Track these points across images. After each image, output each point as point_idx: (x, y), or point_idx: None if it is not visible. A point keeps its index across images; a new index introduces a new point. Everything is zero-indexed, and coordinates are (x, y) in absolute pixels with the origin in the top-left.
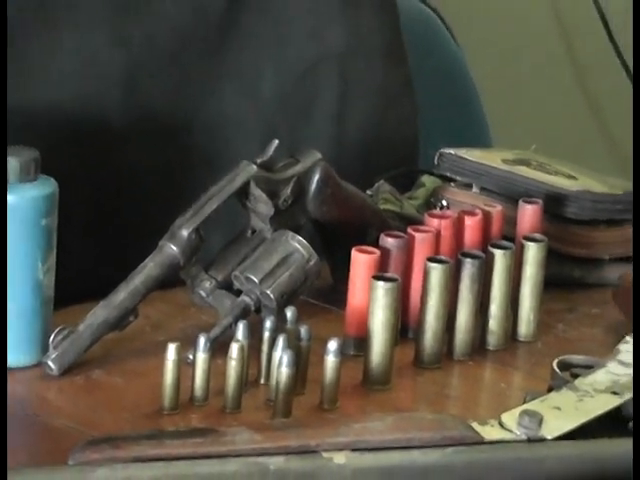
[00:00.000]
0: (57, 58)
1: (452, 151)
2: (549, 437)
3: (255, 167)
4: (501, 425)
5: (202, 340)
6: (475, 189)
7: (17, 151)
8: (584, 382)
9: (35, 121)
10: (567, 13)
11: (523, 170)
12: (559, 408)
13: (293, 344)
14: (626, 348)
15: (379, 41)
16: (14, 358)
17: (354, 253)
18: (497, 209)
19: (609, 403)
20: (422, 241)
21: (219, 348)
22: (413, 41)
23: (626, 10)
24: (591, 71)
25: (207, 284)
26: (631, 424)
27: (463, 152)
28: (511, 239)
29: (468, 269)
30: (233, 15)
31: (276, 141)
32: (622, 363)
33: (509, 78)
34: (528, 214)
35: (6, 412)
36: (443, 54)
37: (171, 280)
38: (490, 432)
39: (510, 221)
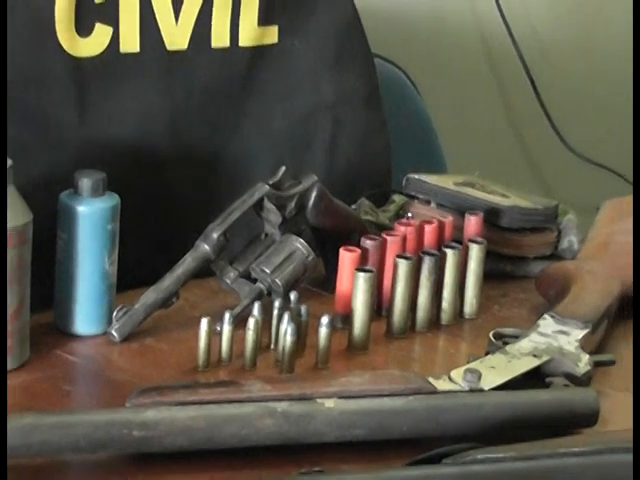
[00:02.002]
0: (121, 104)
1: (416, 176)
2: (486, 388)
3: (268, 187)
4: (450, 379)
5: (227, 316)
6: (433, 204)
7: (89, 173)
8: (512, 348)
9: (104, 150)
10: (502, 74)
11: (469, 190)
12: (494, 367)
13: (295, 319)
14: (544, 323)
15: (361, 93)
16: (86, 328)
17: (342, 252)
18: (449, 219)
19: (531, 363)
20: (392, 243)
21: (240, 322)
22: (387, 93)
23: (549, 67)
24: (519, 116)
25: (231, 274)
26: (547, 379)
27: (424, 177)
28: (459, 242)
29: (427, 264)
30: (252, 74)
31: (283, 167)
32: (541, 334)
33: (459, 122)
34: (472, 223)
35: (6, 411)
36: (409, 103)
37: (204, 271)
38: (442, 384)
39: (459, 228)
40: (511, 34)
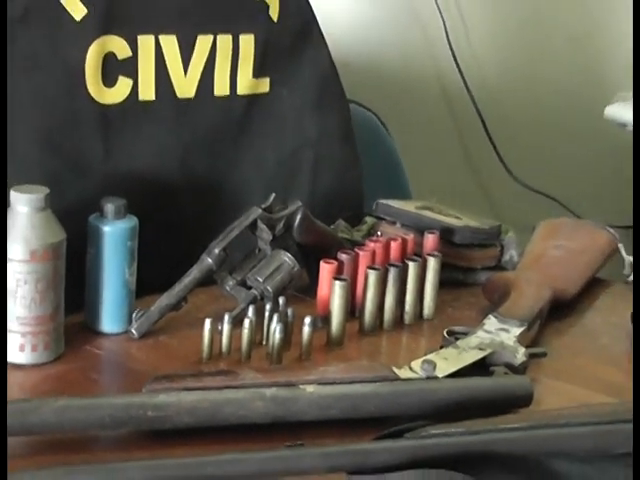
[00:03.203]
0: (139, 143)
1: (384, 201)
2: (440, 376)
3: (260, 210)
4: (410, 369)
5: (227, 317)
6: (398, 225)
7: (113, 200)
8: (462, 343)
9: (125, 181)
10: (458, 116)
11: (428, 213)
12: (446, 358)
13: (283, 320)
14: (488, 322)
15: (338, 132)
16: (111, 327)
17: (322, 264)
18: (411, 237)
19: (477, 355)
20: (364, 256)
21: (238, 322)
22: (361, 132)
23: (497, 111)
24: (472, 151)
25: (231, 282)
26: (490, 368)
27: (391, 202)
28: (419, 255)
29: (392, 274)
30: (248, 118)
31: (273, 194)
32: (486, 331)
33: (421, 155)
34: (430, 240)
35: (6, 412)
36: (380, 140)
37: (208, 280)
38: (404, 373)
39: (419, 244)
40: (465, 82)
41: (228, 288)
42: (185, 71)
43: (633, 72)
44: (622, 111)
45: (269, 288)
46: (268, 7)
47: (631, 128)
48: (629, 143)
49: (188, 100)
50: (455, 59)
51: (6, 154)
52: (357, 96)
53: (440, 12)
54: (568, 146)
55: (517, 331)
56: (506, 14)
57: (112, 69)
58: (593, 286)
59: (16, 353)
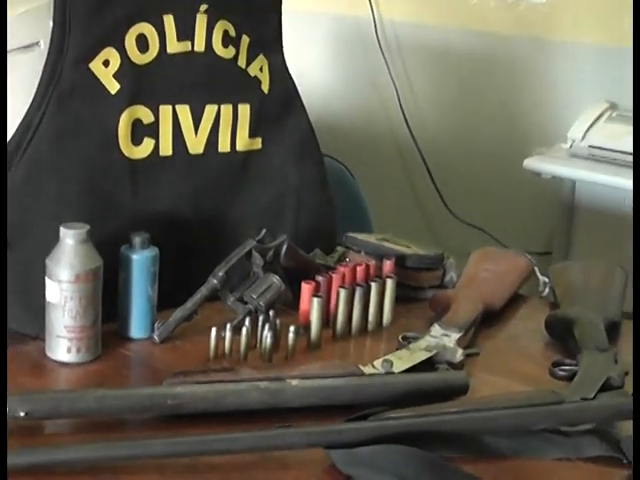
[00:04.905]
0: (160, 189)
1: (352, 234)
2: (396, 371)
3: (254, 242)
4: (373, 366)
5: (229, 326)
6: (362, 253)
7: (139, 234)
8: (414, 345)
9: (149, 219)
10: (408, 165)
11: (386, 243)
12: (401, 358)
13: (273, 328)
14: (434, 329)
15: (315, 180)
16: (138, 334)
17: (303, 284)
18: (372, 263)
19: (425, 355)
20: (336, 278)
21: (237, 330)
22: (333, 180)
23: (440, 161)
24: (420, 193)
25: (231, 299)
26: (435, 365)
27: (357, 235)
28: (380, 277)
29: (358, 292)
30: (245, 169)
31: (265, 229)
32: (432, 336)
33: (381, 198)
34: (387, 265)
35: (6, 411)
36: (348, 186)
37: (214, 297)
38: (367, 369)
39: (379, 268)
40: (414, 138)
41: (229, 303)
42: (196, 133)
43: (633, 73)
44: (537, 163)
45: (262, 303)
46: (260, 83)
47: (544, 176)
48: (543, 188)
49: (198, 155)
50: (406, 120)
51: (6, 155)
52: (330, 151)
53: (394, 82)
54: (496, 189)
55: (456, 336)
56: (446, 84)
57: (139, 131)
58: (515, 300)
59: (64, 354)
